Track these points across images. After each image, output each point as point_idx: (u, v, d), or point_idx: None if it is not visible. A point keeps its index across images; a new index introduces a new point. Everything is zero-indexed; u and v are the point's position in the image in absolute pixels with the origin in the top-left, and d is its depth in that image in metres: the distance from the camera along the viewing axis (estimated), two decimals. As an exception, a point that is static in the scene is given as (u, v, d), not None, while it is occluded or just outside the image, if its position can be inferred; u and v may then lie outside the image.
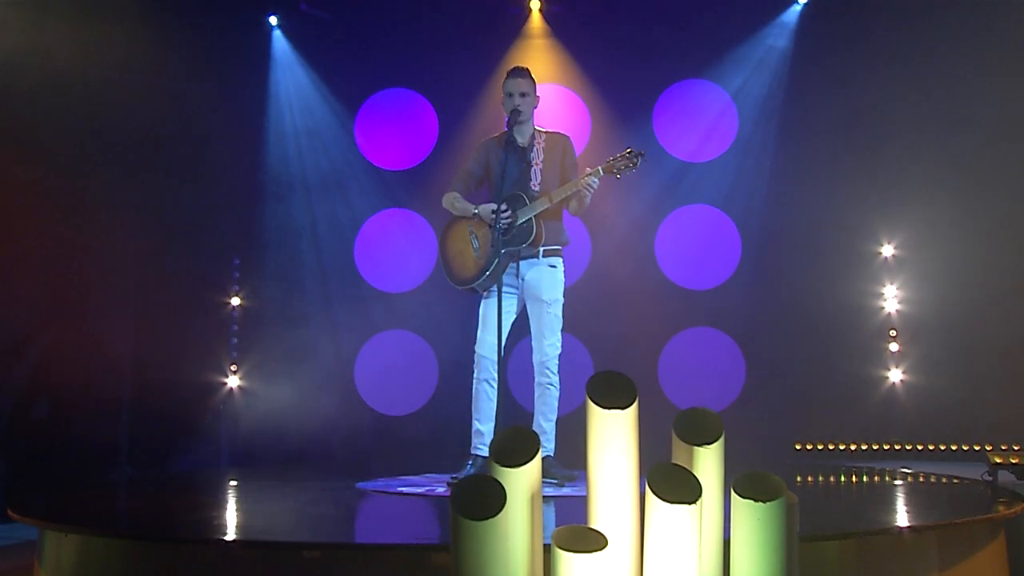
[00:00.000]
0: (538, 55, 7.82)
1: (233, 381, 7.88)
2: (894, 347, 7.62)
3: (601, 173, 5.12)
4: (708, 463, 3.26)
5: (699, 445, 3.27)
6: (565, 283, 5.43)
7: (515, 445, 3.21)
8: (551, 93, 7.59)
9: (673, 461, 3.33)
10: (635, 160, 5.08)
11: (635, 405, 3.25)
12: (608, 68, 7.74)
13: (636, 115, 7.81)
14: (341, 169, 8.07)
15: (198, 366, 7.74)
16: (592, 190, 5.09)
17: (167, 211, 7.37)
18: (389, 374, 7.83)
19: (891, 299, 7.66)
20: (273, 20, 8.06)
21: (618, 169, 5.11)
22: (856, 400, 7.45)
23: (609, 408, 3.22)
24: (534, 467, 3.17)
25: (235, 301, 8.00)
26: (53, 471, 6.42)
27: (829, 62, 7.64)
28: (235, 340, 7.92)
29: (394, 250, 8.00)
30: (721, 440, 3.28)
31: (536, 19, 7.88)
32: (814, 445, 7.52)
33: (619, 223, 7.63)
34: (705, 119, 7.82)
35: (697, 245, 7.74)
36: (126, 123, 7.08)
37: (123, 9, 6.98)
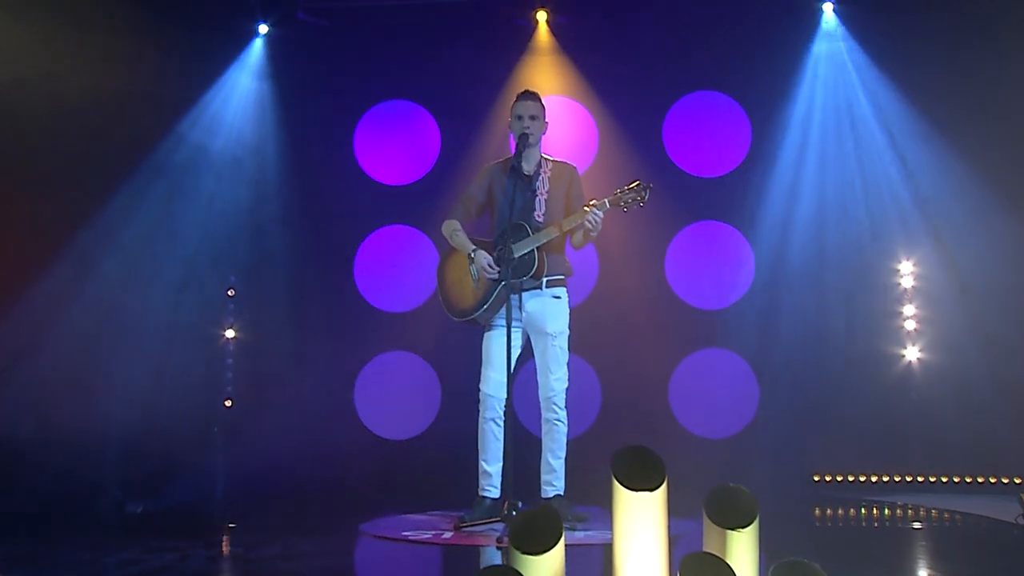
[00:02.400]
0: (544, 67, 7.68)
1: (228, 404, 7.82)
2: (916, 370, 7.39)
3: (607, 206, 5.01)
4: (743, 549, 3.03)
5: (733, 529, 3.00)
6: (571, 302, 5.33)
7: (535, 527, 3.03)
8: (558, 106, 7.43)
9: (704, 546, 3.09)
10: (643, 193, 4.97)
11: (665, 485, 2.97)
12: (616, 80, 7.59)
13: (645, 128, 7.64)
14: (340, 184, 7.90)
15: (192, 389, 7.56)
16: (596, 225, 4.96)
17: (159, 231, 7.35)
18: (390, 397, 7.70)
19: (910, 319, 7.44)
20: (263, 29, 7.90)
21: (625, 202, 5.00)
22: (876, 428, 7.22)
23: (637, 490, 2.93)
24: (557, 554, 2.97)
25: (230, 330, 7.91)
26: (40, 505, 6.23)
27: (843, 74, 7.51)
28: (230, 361, 7.84)
29: (395, 268, 7.86)
30: (756, 523, 3.01)
31: (543, 30, 7.72)
32: (833, 476, 7.29)
33: (628, 240, 7.43)
34: (717, 132, 7.62)
35: (709, 263, 7.57)
36: (114, 140, 7.05)
37: (103, 19, 6.88)
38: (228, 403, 7.82)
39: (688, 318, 7.54)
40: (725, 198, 7.59)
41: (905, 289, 7.42)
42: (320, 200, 7.86)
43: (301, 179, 7.88)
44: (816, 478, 7.26)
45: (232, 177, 7.67)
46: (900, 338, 7.38)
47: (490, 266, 5.06)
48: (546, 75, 7.58)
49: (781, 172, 7.50)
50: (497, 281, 5.00)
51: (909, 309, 7.43)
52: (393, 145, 7.93)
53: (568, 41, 7.67)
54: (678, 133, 7.69)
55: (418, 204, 7.69)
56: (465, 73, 7.61)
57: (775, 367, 7.34)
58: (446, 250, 5.45)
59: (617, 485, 3.00)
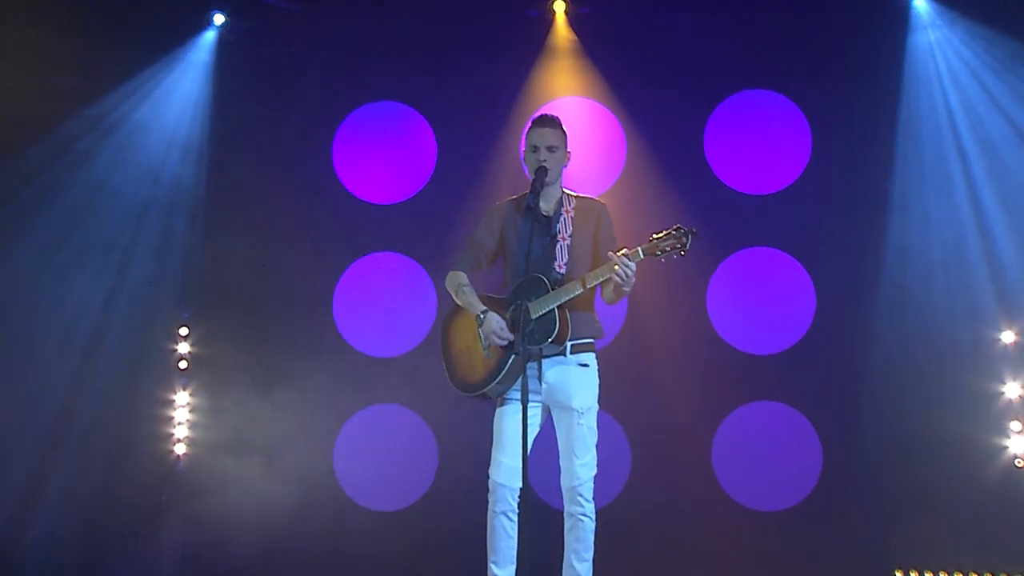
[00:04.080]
0: (562, 64, 7.05)
1: (181, 469, 7.10)
2: (1019, 443, 6.33)
3: (640, 256, 4.48)
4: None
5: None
6: (595, 344, 4.84)
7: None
8: (578, 108, 6.99)
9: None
10: (684, 239, 4.43)
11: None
12: (648, 78, 6.92)
13: (683, 135, 6.95)
14: (315, 202, 7.21)
15: (138, 443, 6.96)
16: (628, 279, 4.44)
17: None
18: (377, 460, 7.05)
19: (1014, 384, 6.41)
20: (219, 19, 7.23)
21: (662, 250, 4.47)
22: (971, 510, 6.30)
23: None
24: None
25: (183, 365, 7.20)
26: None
27: (928, 65, 6.69)
28: (185, 413, 7.13)
29: (382, 304, 7.20)
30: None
31: (560, 23, 7.06)
32: (920, 572, 6.25)
33: (662, 270, 6.28)
34: (770, 139, 6.94)
35: (760, 298, 6.90)
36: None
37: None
38: (181, 464, 7.10)
39: (735, 365, 6.84)
40: (780, 220, 6.85)
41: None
42: (290, 223, 7.17)
43: (266, 198, 7.16)
44: (899, 574, 6.26)
45: (176, 199, 7.09)
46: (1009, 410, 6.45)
47: (503, 330, 4.65)
48: (565, 76, 7.03)
49: (849, 189, 6.72)
50: (511, 348, 4.58)
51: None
52: (380, 157, 7.30)
53: (591, 35, 7.04)
54: (723, 141, 7.00)
55: (410, 227, 7.13)
56: (468, 72, 7.01)
57: (843, 425, 6.58)
58: (451, 309, 4.96)
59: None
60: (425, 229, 6.92)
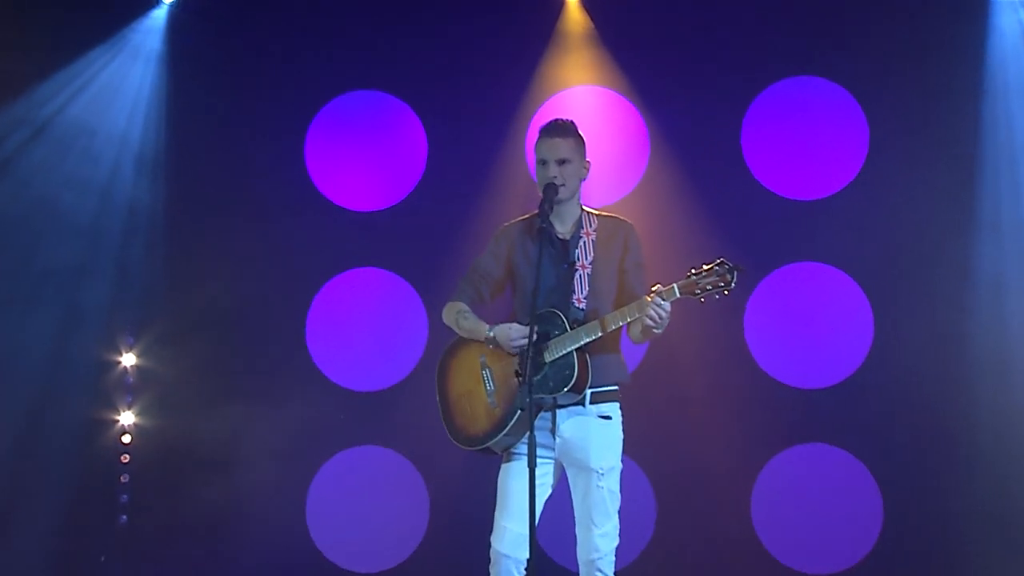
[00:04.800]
0: (575, 52, 6.68)
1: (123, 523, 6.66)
2: None
3: (676, 294, 4.24)
4: None
5: None
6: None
7: None
8: (592, 99, 6.63)
9: None
10: (728, 277, 4.20)
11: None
12: (675, 66, 6.55)
13: (716, 129, 6.52)
14: (285, 211, 6.81)
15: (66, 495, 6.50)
16: (661, 321, 4.21)
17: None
18: (358, 512, 6.69)
19: None
20: None
21: (703, 288, 4.24)
22: None
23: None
24: None
25: (126, 417, 6.70)
26: None
27: (1020, 49, 6.12)
28: (127, 465, 6.71)
29: (364, 329, 6.85)
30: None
31: (573, 6, 6.69)
32: None
33: None
34: (820, 135, 6.49)
35: (807, 322, 6.46)
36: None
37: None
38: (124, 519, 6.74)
39: (778, 401, 6.41)
40: (831, 230, 6.38)
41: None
42: (257, 237, 6.76)
43: (225, 205, 6.80)
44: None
45: (128, 217, 6.66)
46: None
47: (519, 335, 4.42)
48: (577, 64, 6.65)
49: (914, 193, 6.24)
50: (522, 390, 4.22)
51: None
52: (361, 156, 6.96)
53: (608, 19, 6.69)
54: (764, 137, 6.58)
55: (396, 238, 6.76)
56: (466, 58, 6.73)
57: (906, 472, 6.18)
58: (448, 347, 4.74)
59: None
60: (414, 241, 6.57)
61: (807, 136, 6.49)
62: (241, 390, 6.64)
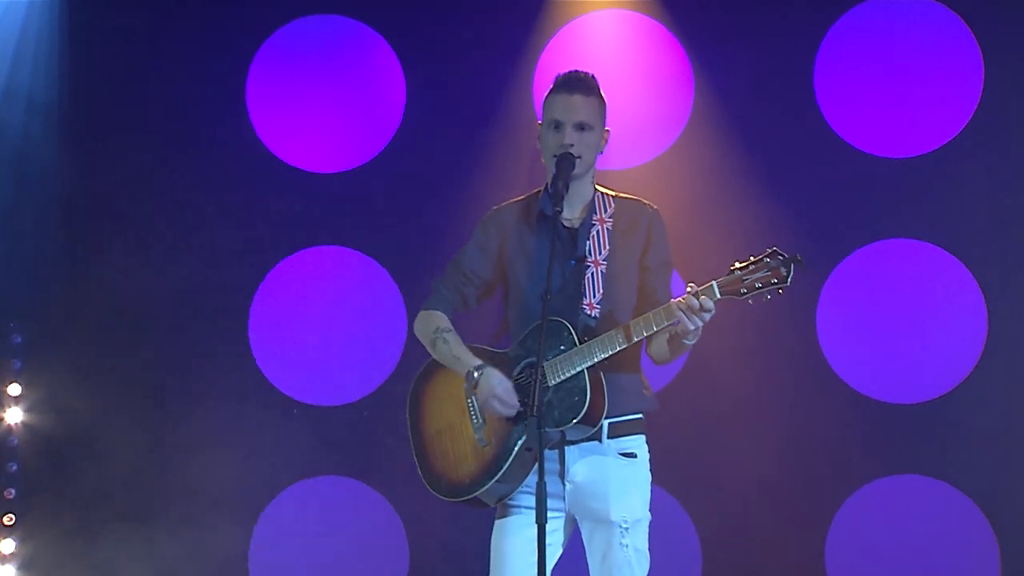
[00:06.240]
0: None
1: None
2: None
3: (717, 294, 3.58)
4: None
5: None
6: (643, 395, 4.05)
7: None
8: (618, 25, 5.79)
9: None
10: (783, 271, 3.52)
11: None
12: None
13: (781, 65, 5.64)
14: (222, 172, 5.89)
15: None
16: (696, 330, 3.57)
17: None
18: (317, 560, 5.80)
19: None
20: None
21: (749, 287, 3.59)
22: None
23: None
24: None
25: (14, 416, 5.76)
26: None
27: None
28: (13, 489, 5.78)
29: (324, 326, 5.96)
30: None
31: None
32: None
33: None
34: (918, 74, 5.55)
35: (898, 317, 5.58)
36: None
37: None
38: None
39: (861, 419, 5.53)
40: (930, 197, 5.51)
41: None
42: (183, 203, 5.86)
43: (142, 167, 5.80)
44: None
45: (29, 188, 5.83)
46: None
47: (509, 394, 3.79)
48: None
49: None
50: (520, 425, 3.81)
51: None
52: (320, 102, 6.01)
53: None
54: (843, 77, 5.66)
55: (364, 208, 5.90)
56: None
57: None
58: (423, 369, 4.12)
59: None
60: (388, 213, 5.72)
61: (899, 75, 5.52)
62: (166, 396, 5.70)
